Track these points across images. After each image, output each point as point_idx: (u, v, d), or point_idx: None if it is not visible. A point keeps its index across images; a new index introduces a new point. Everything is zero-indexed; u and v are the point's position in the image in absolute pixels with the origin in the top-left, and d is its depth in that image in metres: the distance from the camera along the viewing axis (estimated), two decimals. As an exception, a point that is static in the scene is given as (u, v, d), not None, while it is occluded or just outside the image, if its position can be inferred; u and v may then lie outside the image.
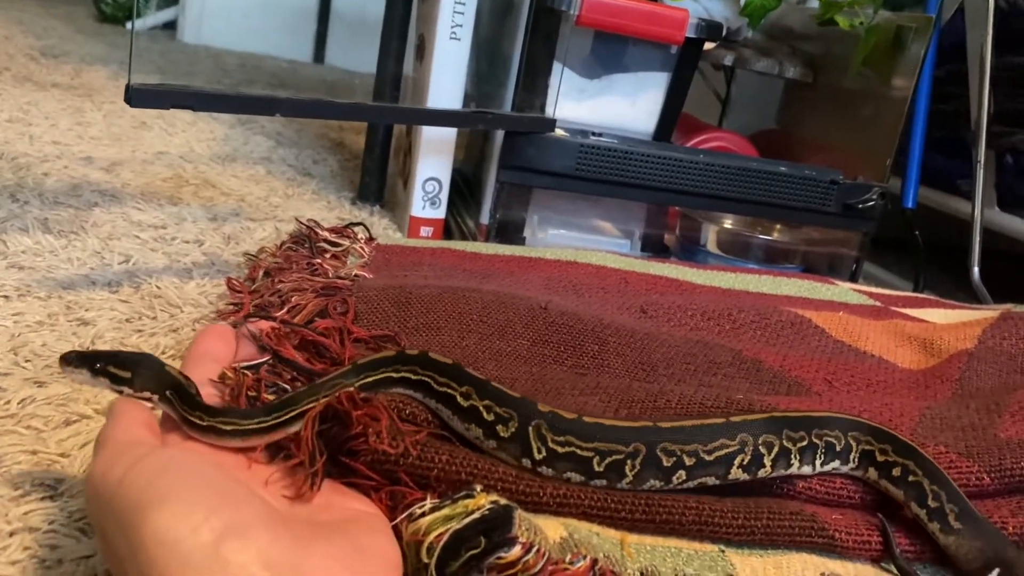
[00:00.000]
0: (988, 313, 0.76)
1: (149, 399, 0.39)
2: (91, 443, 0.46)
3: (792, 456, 0.44)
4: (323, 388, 0.41)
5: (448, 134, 0.93)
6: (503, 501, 0.35)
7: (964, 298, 1.00)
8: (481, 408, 0.42)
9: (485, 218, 0.93)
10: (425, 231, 0.95)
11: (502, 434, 0.42)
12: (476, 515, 0.34)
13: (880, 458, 0.46)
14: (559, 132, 0.87)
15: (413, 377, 0.44)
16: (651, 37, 0.89)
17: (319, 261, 0.67)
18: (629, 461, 0.41)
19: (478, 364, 0.52)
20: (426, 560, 0.34)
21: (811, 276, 0.90)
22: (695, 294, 0.76)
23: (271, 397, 0.44)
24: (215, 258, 0.78)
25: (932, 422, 0.52)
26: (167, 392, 0.39)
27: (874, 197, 0.94)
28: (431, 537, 0.34)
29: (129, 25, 2.17)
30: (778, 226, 1.02)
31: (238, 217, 0.91)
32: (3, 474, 0.43)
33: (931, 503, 0.44)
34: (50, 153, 1.00)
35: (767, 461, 0.44)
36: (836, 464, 0.46)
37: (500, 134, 0.88)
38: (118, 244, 0.76)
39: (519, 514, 0.35)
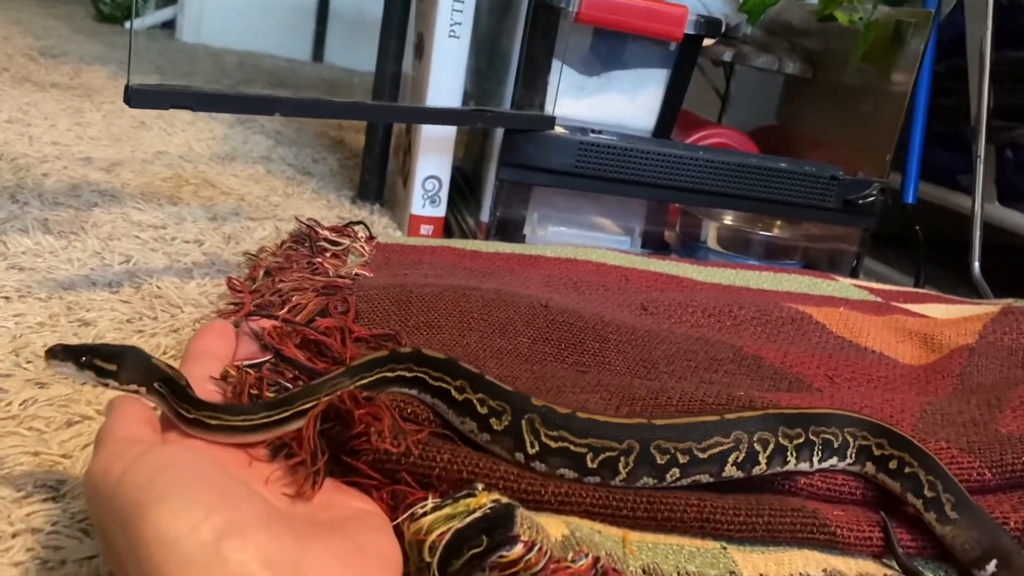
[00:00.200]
0: (989, 308, 0.76)
1: (136, 392, 0.39)
2: (92, 444, 0.46)
3: (788, 453, 0.44)
4: (318, 390, 0.41)
5: (448, 132, 0.93)
6: (505, 500, 0.35)
7: (965, 293, 1.00)
8: (475, 401, 0.42)
9: (485, 216, 0.93)
10: (425, 229, 0.95)
11: (495, 427, 0.42)
12: (478, 514, 0.34)
13: (877, 452, 0.46)
14: (559, 129, 0.87)
15: (408, 375, 0.44)
16: (650, 34, 0.89)
17: (319, 260, 0.67)
18: (623, 458, 0.41)
19: (479, 362, 0.52)
20: (428, 559, 0.34)
21: (812, 272, 0.90)
22: (696, 291, 0.76)
23: (273, 396, 0.44)
24: (215, 258, 0.78)
25: (933, 418, 0.52)
26: (155, 384, 0.39)
27: (874, 193, 0.94)
28: (433, 536, 0.34)
29: (128, 24, 2.17)
30: (778, 222, 1.02)
31: (238, 216, 0.91)
32: (5, 476, 0.43)
33: (927, 493, 0.44)
34: (49, 154, 1.00)
35: (762, 459, 0.44)
36: (834, 461, 0.46)
37: (500, 132, 0.88)
38: (118, 244, 0.76)
39: (521, 513, 0.35)
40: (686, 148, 0.92)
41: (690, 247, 0.99)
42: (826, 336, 0.69)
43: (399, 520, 0.36)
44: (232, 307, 0.60)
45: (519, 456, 0.41)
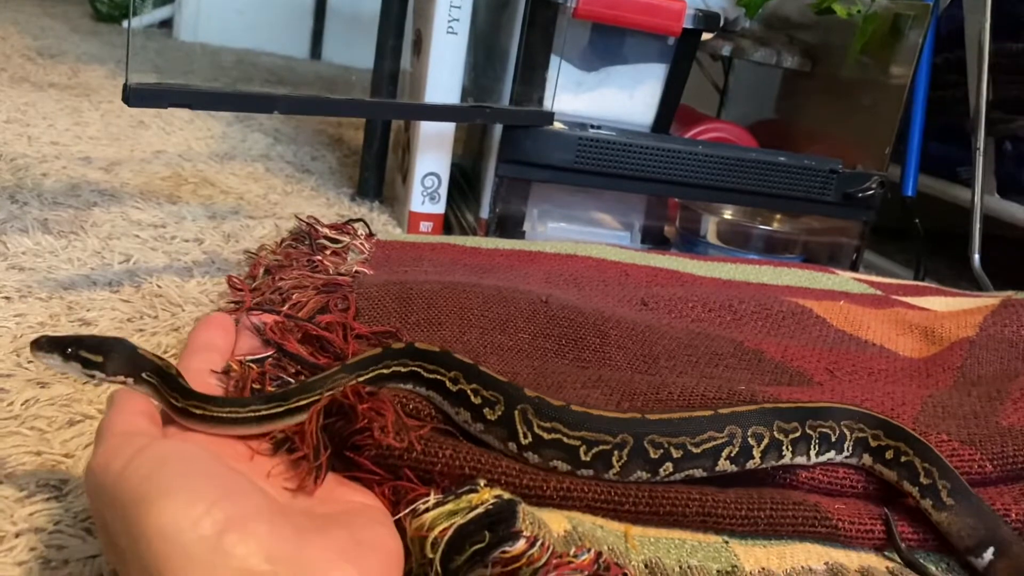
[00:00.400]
0: (989, 300, 0.76)
1: (123, 382, 0.39)
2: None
3: (784, 447, 0.44)
4: (314, 387, 0.41)
5: (447, 129, 0.93)
6: (507, 495, 0.35)
7: (965, 285, 1.00)
8: (469, 392, 0.42)
9: (485, 212, 0.93)
10: (425, 226, 0.95)
11: (489, 417, 0.42)
12: (480, 510, 0.34)
13: (873, 443, 0.46)
14: (557, 125, 0.87)
15: (404, 370, 0.44)
16: (648, 29, 0.89)
17: (319, 258, 0.67)
18: (616, 452, 0.41)
19: (480, 358, 0.52)
20: (431, 555, 0.34)
21: (812, 266, 0.90)
22: (696, 285, 0.76)
23: (272, 391, 0.44)
24: (215, 256, 0.78)
25: (934, 410, 0.52)
26: (143, 375, 0.39)
27: (874, 186, 0.93)
28: (435, 532, 0.34)
29: (125, 23, 2.17)
30: (778, 216, 1.02)
31: (237, 215, 0.90)
32: (8, 475, 0.43)
33: (923, 480, 0.44)
34: (48, 153, 1.00)
35: (756, 453, 0.44)
36: (832, 454, 0.46)
37: (498, 128, 0.88)
38: (118, 244, 0.76)
39: (523, 508, 0.35)
40: (685, 143, 0.92)
41: (690, 242, 0.99)
42: (827, 330, 0.69)
43: (400, 515, 0.37)
44: (232, 305, 0.60)
45: (512, 446, 0.41)
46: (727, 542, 0.41)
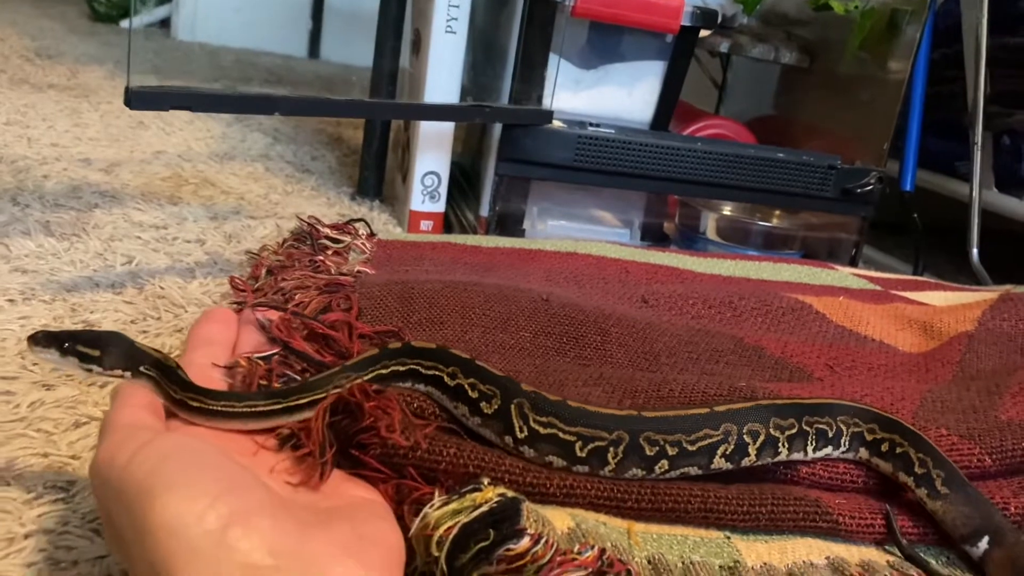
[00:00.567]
0: (988, 295, 0.77)
1: (121, 376, 0.39)
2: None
3: (780, 444, 0.45)
4: (313, 387, 0.41)
5: (446, 128, 0.94)
6: (511, 493, 0.36)
7: (964, 280, 1.00)
8: (466, 386, 0.43)
9: (485, 211, 0.93)
10: (425, 225, 0.96)
11: (486, 411, 0.42)
12: (484, 508, 0.35)
13: (869, 437, 0.47)
14: (557, 124, 0.87)
15: (402, 368, 0.44)
16: (647, 26, 0.89)
17: (321, 258, 0.67)
18: (612, 448, 0.42)
19: (482, 357, 0.52)
20: (436, 553, 0.34)
21: (811, 262, 0.90)
22: (696, 282, 0.77)
23: (276, 388, 0.44)
24: (217, 257, 0.78)
25: (933, 405, 0.53)
26: (141, 368, 0.39)
27: (872, 182, 0.94)
28: (440, 531, 0.34)
29: (123, 24, 2.16)
30: (777, 212, 1.02)
31: (238, 215, 0.91)
32: (16, 477, 0.43)
33: (917, 470, 0.44)
34: (49, 155, 1.00)
35: (751, 450, 0.44)
36: (829, 450, 0.47)
37: (498, 126, 0.88)
38: (120, 245, 0.77)
39: (527, 506, 0.35)
40: (684, 140, 0.93)
41: (689, 238, 0.99)
42: (826, 325, 0.69)
43: (404, 513, 0.37)
44: (235, 306, 0.61)
45: (508, 440, 0.42)
46: (729, 538, 0.42)
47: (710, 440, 0.43)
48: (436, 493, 0.37)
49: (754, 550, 0.41)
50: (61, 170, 0.95)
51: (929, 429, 0.48)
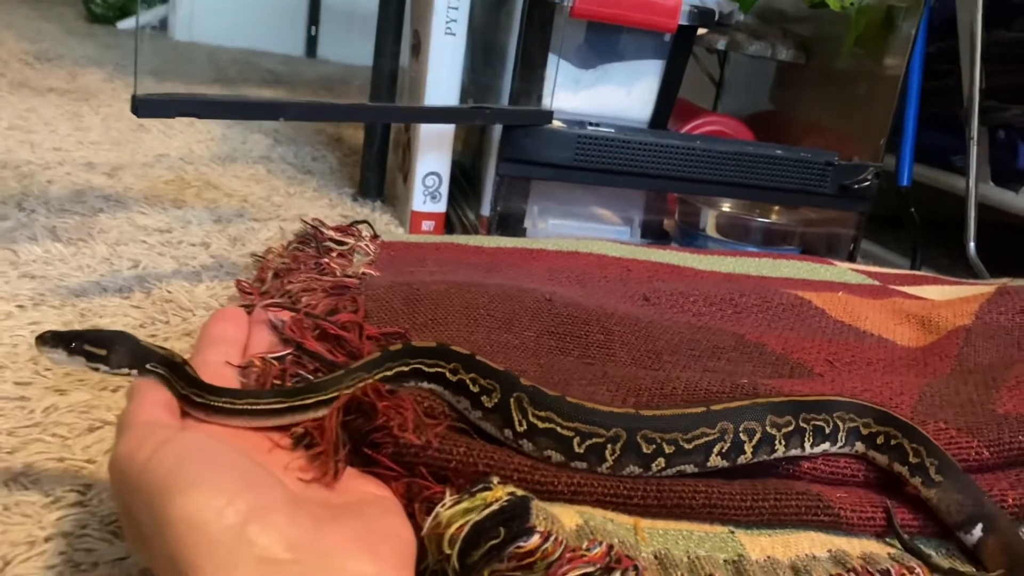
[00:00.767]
0: (984, 288, 0.77)
1: (127, 375, 0.40)
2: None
3: (776, 442, 0.46)
4: (318, 389, 0.42)
5: (447, 128, 0.94)
6: (520, 492, 0.36)
7: (961, 273, 1.01)
8: (468, 381, 0.44)
9: (486, 210, 0.94)
10: (427, 225, 0.96)
11: (486, 404, 0.43)
12: (495, 507, 0.35)
13: (864, 431, 0.48)
14: (556, 123, 0.88)
15: (406, 369, 0.45)
16: (645, 26, 0.90)
17: (326, 260, 0.68)
18: (609, 445, 0.42)
19: (487, 357, 0.53)
20: (448, 551, 0.35)
21: (810, 257, 0.91)
22: (697, 280, 0.77)
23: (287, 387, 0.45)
24: (223, 260, 0.79)
25: (931, 399, 0.54)
26: (147, 366, 0.40)
27: (869, 178, 0.95)
28: (452, 529, 0.35)
29: (120, 25, 2.17)
30: (776, 208, 1.03)
31: (242, 218, 0.91)
32: (34, 481, 0.44)
33: (912, 460, 0.45)
34: (52, 160, 1.01)
35: (747, 448, 0.45)
36: (826, 446, 0.47)
37: (498, 126, 0.89)
38: (126, 249, 0.77)
39: (536, 504, 0.36)
40: (683, 138, 0.93)
41: (689, 235, 1.00)
42: (826, 321, 0.70)
43: (415, 511, 0.38)
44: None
45: (508, 433, 0.43)
46: (733, 532, 0.42)
47: (706, 439, 0.44)
48: (447, 492, 0.38)
49: (758, 544, 0.42)
50: (65, 174, 0.96)
51: (928, 423, 0.49)
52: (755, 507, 0.43)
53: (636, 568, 0.36)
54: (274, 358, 0.46)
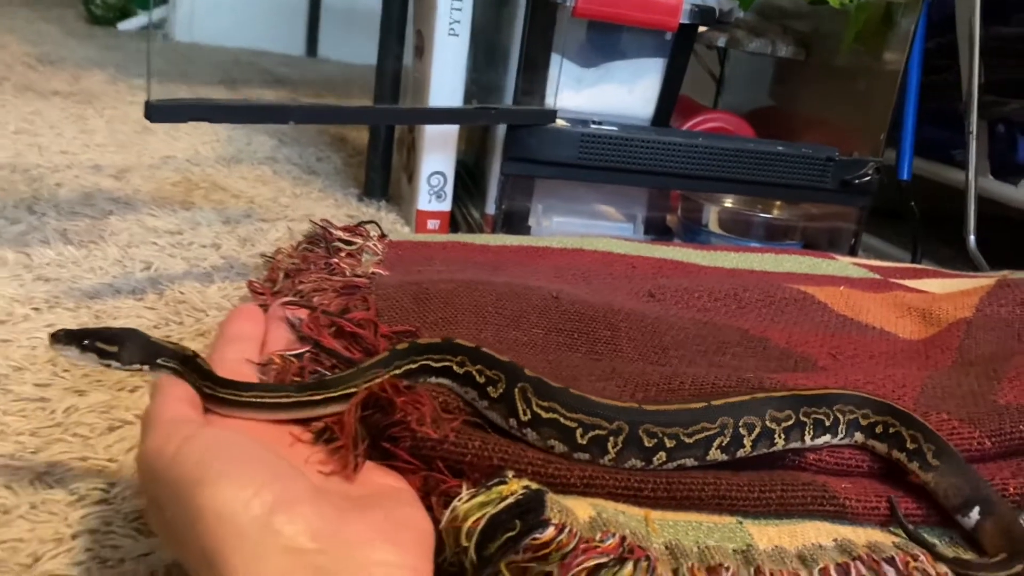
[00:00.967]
0: (985, 281, 0.78)
1: (139, 370, 0.41)
2: (135, 448, 0.48)
3: (776, 435, 0.47)
4: (327, 386, 0.43)
5: (451, 128, 0.95)
6: (535, 486, 0.37)
7: (961, 266, 1.02)
8: (474, 372, 0.45)
9: (491, 209, 0.95)
10: (432, 224, 0.97)
11: (492, 394, 0.44)
12: (510, 500, 0.36)
13: (864, 422, 0.49)
14: (560, 122, 0.89)
15: (414, 366, 0.46)
16: (646, 25, 0.91)
17: (336, 261, 0.69)
18: (612, 438, 0.43)
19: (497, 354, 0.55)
20: (465, 544, 0.36)
21: (812, 252, 0.92)
22: (701, 275, 0.78)
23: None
24: (233, 261, 0.80)
25: (934, 391, 0.55)
26: (159, 361, 0.41)
27: (870, 172, 0.96)
28: (469, 522, 0.36)
29: (120, 26, 2.17)
30: (778, 204, 1.04)
31: (250, 219, 0.92)
32: (58, 480, 0.45)
33: (909, 445, 0.47)
34: (60, 163, 1.01)
35: (747, 442, 0.46)
36: (827, 438, 0.48)
37: (502, 125, 0.90)
38: (137, 251, 0.78)
39: (550, 497, 0.37)
40: (685, 135, 0.94)
41: (692, 231, 1.01)
42: (828, 315, 0.71)
43: (432, 504, 0.39)
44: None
45: (512, 422, 0.44)
46: (741, 523, 0.43)
47: (707, 433, 0.45)
48: (463, 486, 0.39)
49: (765, 534, 0.43)
50: (73, 177, 0.97)
51: (931, 414, 0.50)
52: (763, 498, 0.44)
53: (648, 558, 0.37)
54: (292, 355, 0.47)
